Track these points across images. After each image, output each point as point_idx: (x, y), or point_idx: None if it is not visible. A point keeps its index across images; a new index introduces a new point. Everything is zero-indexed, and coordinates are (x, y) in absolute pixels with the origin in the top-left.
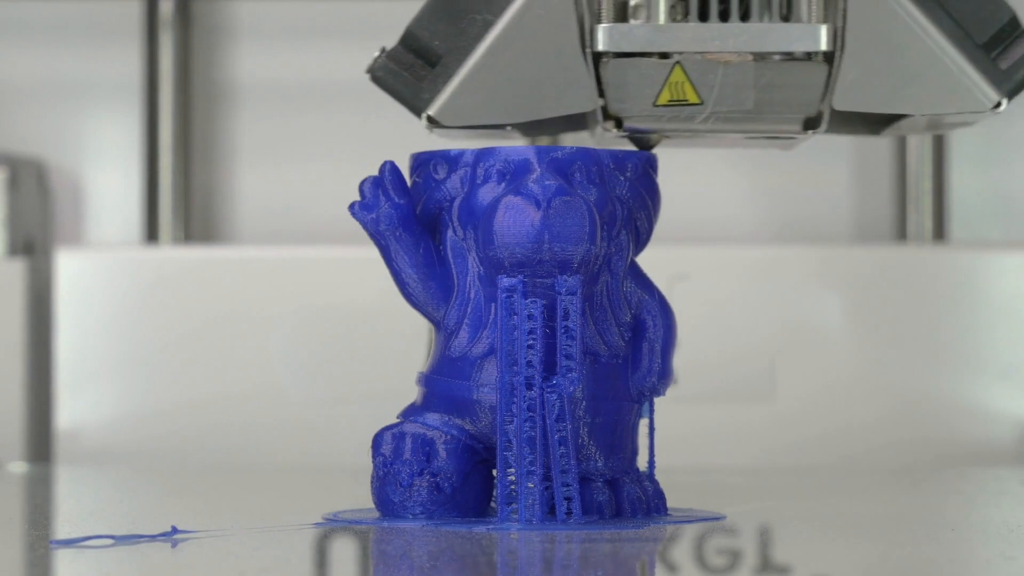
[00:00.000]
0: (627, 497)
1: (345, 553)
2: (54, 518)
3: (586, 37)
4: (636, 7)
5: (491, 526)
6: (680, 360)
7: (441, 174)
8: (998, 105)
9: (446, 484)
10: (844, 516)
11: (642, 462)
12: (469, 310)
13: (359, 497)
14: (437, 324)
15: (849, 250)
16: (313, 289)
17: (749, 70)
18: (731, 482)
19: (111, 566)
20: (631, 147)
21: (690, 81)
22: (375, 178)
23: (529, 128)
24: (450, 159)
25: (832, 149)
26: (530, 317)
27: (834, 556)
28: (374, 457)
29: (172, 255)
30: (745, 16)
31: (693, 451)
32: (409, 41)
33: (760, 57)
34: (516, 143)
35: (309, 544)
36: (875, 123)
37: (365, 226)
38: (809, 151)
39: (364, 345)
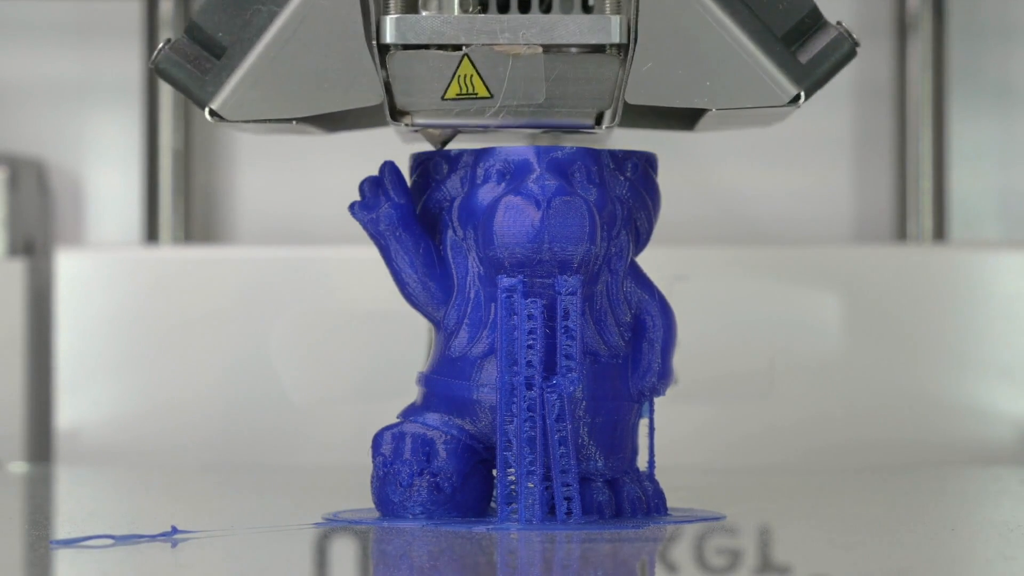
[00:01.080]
0: (627, 497)
1: (345, 553)
2: (54, 518)
3: (371, 29)
4: None
5: (491, 526)
6: (680, 360)
7: (441, 174)
8: (796, 99)
9: (446, 484)
10: (844, 516)
11: (642, 462)
12: (469, 310)
13: (359, 497)
14: (437, 324)
15: (849, 250)
16: (313, 289)
17: (540, 63)
18: (731, 482)
19: (111, 566)
20: (424, 142)
21: (479, 74)
22: (375, 178)
23: (325, 123)
24: (450, 159)
25: (832, 149)
26: (530, 317)
27: (834, 556)
28: (374, 457)
29: (172, 255)
30: (548, 8)
31: (693, 451)
32: (194, 32)
33: (552, 49)
34: (312, 136)
35: (309, 544)
36: (685, 117)
37: (365, 226)
38: (809, 151)
39: (364, 345)
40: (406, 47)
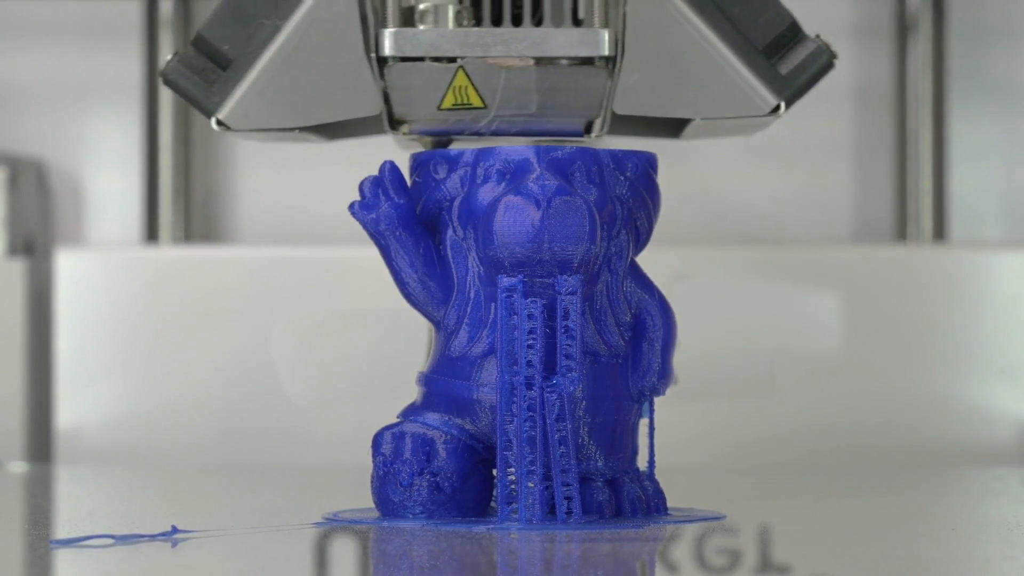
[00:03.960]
0: (627, 497)
1: (345, 553)
2: (54, 518)
3: (370, 42)
4: (424, 12)
5: (491, 526)
6: (680, 360)
7: (441, 174)
8: (776, 109)
9: (446, 484)
10: (844, 516)
11: (642, 462)
12: (469, 310)
13: (359, 497)
14: (437, 324)
15: (849, 250)
16: (313, 289)
17: (531, 74)
18: (731, 482)
19: (111, 566)
20: (419, 147)
21: (473, 85)
22: (375, 178)
23: (326, 132)
24: (450, 159)
25: (832, 149)
26: (530, 317)
27: (834, 556)
28: (374, 457)
29: (172, 255)
30: (540, 22)
31: (693, 451)
32: (200, 45)
33: (543, 62)
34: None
35: (309, 544)
36: (671, 126)
37: (365, 226)
38: (809, 151)
39: (364, 345)
40: (403, 59)
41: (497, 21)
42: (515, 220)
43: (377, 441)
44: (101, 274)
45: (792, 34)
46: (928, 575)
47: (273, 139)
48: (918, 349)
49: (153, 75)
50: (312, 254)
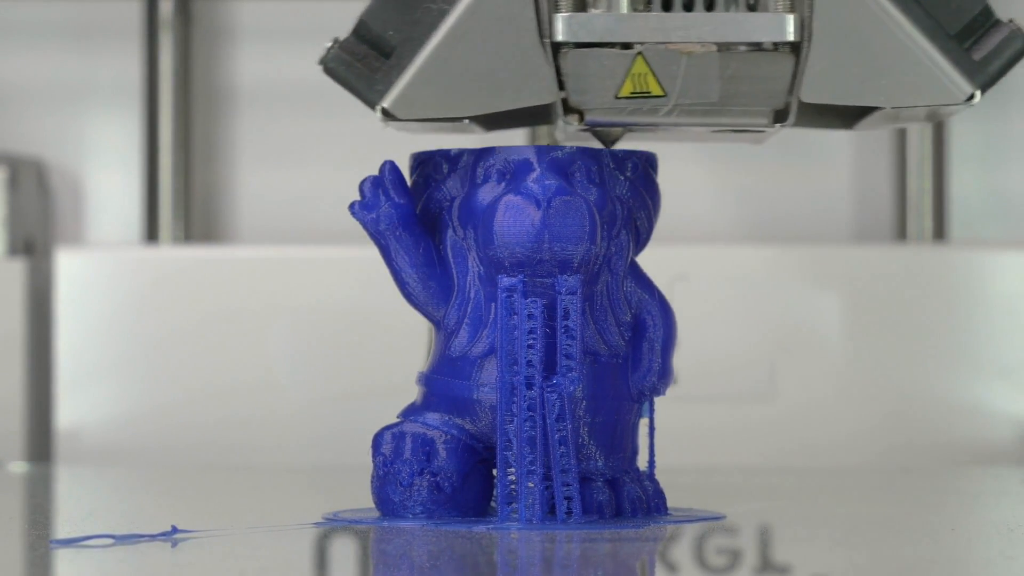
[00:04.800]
0: (627, 497)
1: (345, 553)
2: (54, 518)
3: (544, 27)
4: None
5: (491, 526)
6: (680, 360)
7: (441, 174)
8: (971, 97)
9: (446, 484)
10: (844, 516)
11: (642, 462)
12: (469, 310)
13: (359, 497)
14: (437, 324)
15: (849, 250)
16: (313, 289)
17: (714, 61)
18: (731, 482)
19: (111, 566)
20: (595, 141)
21: (653, 72)
22: (375, 178)
23: (488, 121)
24: (450, 159)
25: (832, 149)
26: (530, 317)
27: (834, 556)
28: (374, 457)
29: (172, 255)
30: (710, 6)
31: (693, 451)
32: (362, 31)
33: (725, 48)
34: (475, 135)
35: (309, 544)
36: (847, 116)
37: (365, 226)
38: (809, 151)
39: (364, 345)
40: (578, 45)
41: (668, 5)
42: (515, 220)
43: (377, 441)
44: (101, 274)
45: (985, 18)
46: (928, 575)
47: (434, 130)
48: (918, 349)
49: (153, 75)
50: (312, 254)
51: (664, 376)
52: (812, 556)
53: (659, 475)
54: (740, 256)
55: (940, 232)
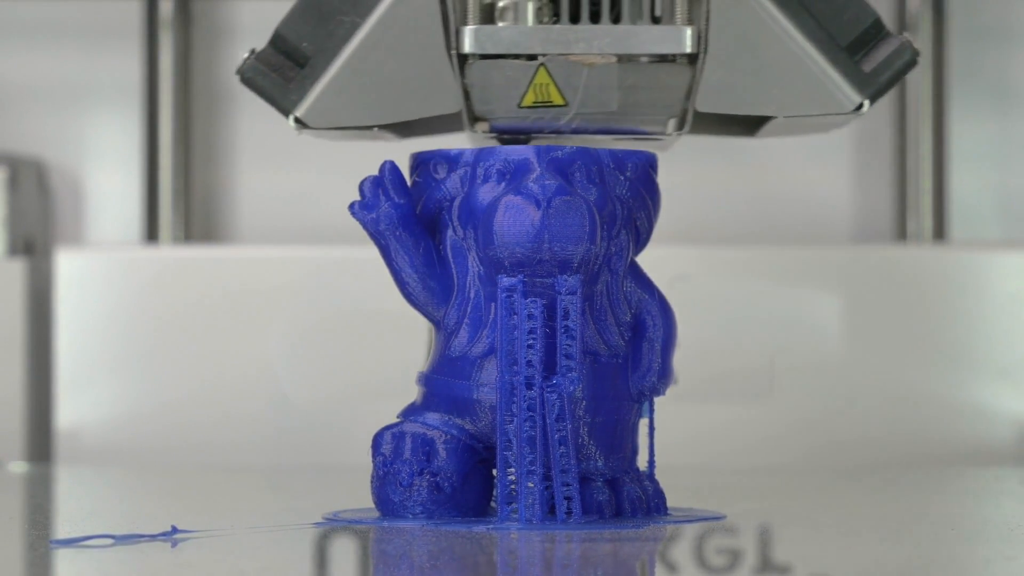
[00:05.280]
0: (627, 497)
1: (345, 553)
2: (54, 518)
3: (451, 39)
4: (504, 9)
5: (491, 526)
6: (680, 360)
7: (441, 174)
8: (860, 107)
9: (446, 484)
10: (844, 516)
11: (642, 462)
12: (469, 310)
13: (359, 497)
14: (437, 324)
15: (849, 250)
16: (313, 289)
17: (613, 72)
18: (731, 482)
19: (111, 566)
20: (492, 144)
21: (555, 83)
22: (375, 178)
23: (401, 130)
24: (450, 159)
25: (832, 149)
26: (530, 317)
27: (834, 556)
28: (374, 457)
29: (172, 255)
30: (617, 18)
31: (693, 451)
32: (278, 42)
33: (625, 59)
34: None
35: (309, 544)
36: (747, 124)
37: (365, 226)
38: (809, 151)
39: (364, 345)
40: (484, 57)
41: (575, 18)
42: (515, 220)
43: (377, 441)
44: (101, 274)
45: (876, 31)
46: (928, 575)
47: (350, 137)
48: (918, 349)
49: (153, 75)
50: (312, 254)
51: (664, 376)
52: (812, 556)
53: (659, 475)
54: (740, 256)
55: (940, 232)
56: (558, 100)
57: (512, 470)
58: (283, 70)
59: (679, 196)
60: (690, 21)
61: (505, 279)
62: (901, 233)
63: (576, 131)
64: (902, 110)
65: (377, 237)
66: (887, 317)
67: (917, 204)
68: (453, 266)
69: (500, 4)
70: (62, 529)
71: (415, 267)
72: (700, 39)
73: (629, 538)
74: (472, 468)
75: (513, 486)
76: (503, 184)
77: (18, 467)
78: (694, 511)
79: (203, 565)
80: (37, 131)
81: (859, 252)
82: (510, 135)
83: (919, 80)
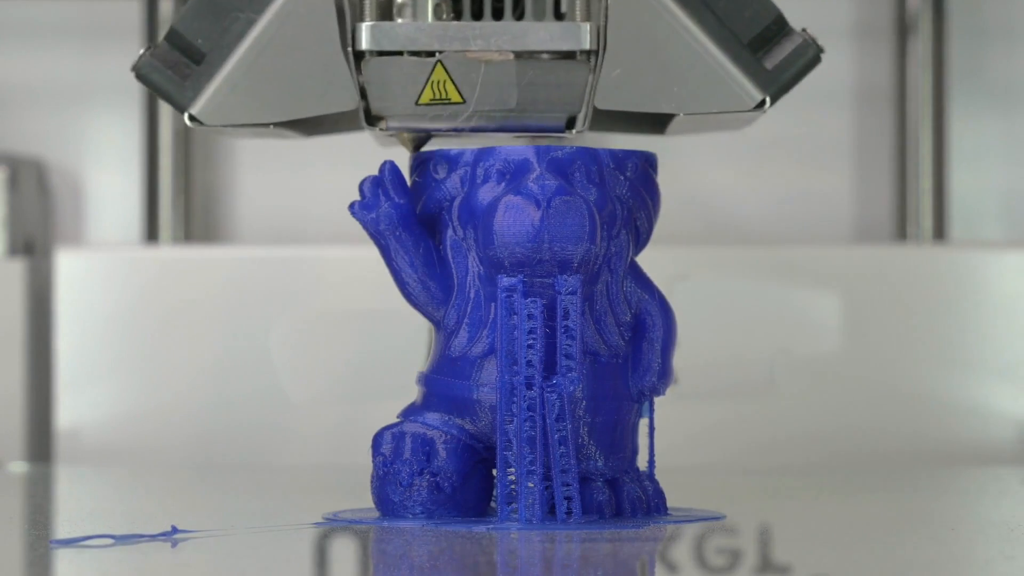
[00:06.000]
0: (627, 497)
1: (345, 553)
2: (54, 518)
3: (347, 36)
4: (402, 6)
5: (491, 526)
6: (680, 360)
7: (441, 174)
8: (762, 104)
9: (446, 484)
10: (844, 516)
11: (642, 462)
12: (469, 310)
13: (359, 497)
14: (437, 324)
15: (849, 250)
16: (313, 289)
17: (511, 69)
18: (731, 482)
19: (111, 566)
20: (396, 143)
21: (452, 80)
22: (375, 178)
23: (302, 127)
24: (450, 159)
25: (832, 149)
26: (530, 317)
27: (834, 556)
28: (374, 457)
29: (172, 255)
30: (520, 15)
31: (693, 451)
32: (174, 39)
33: (523, 56)
34: (292, 139)
35: (309, 544)
36: (655, 122)
37: (365, 226)
38: (809, 151)
39: (364, 345)
40: (381, 53)
41: (477, 15)
42: (515, 220)
43: (377, 441)
44: (101, 274)
45: (778, 28)
46: (928, 575)
47: (248, 135)
48: (918, 349)
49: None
50: (312, 254)
51: (664, 376)
52: (812, 556)
53: (659, 475)
54: (740, 256)
55: (940, 232)
56: (456, 97)
57: (512, 470)
58: (179, 67)
59: (679, 196)
60: (588, 17)
61: (505, 279)
62: (901, 233)
63: (476, 129)
64: (902, 110)
65: (377, 237)
66: (887, 317)
67: (917, 204)
68: (453, 266)
69: (398, 0)
70: (62, 529)
71: (415, 267)
72: (599, 35)
73: (629, 538)
74: (472, 468)
75: (513, 486)
76: (503, 184)
77: (18, 467)
78: (694, 511)
79: (203, 565)
80: (37, 131)
81: (859, 252)
82: (411, 133)
83: (919, 80)
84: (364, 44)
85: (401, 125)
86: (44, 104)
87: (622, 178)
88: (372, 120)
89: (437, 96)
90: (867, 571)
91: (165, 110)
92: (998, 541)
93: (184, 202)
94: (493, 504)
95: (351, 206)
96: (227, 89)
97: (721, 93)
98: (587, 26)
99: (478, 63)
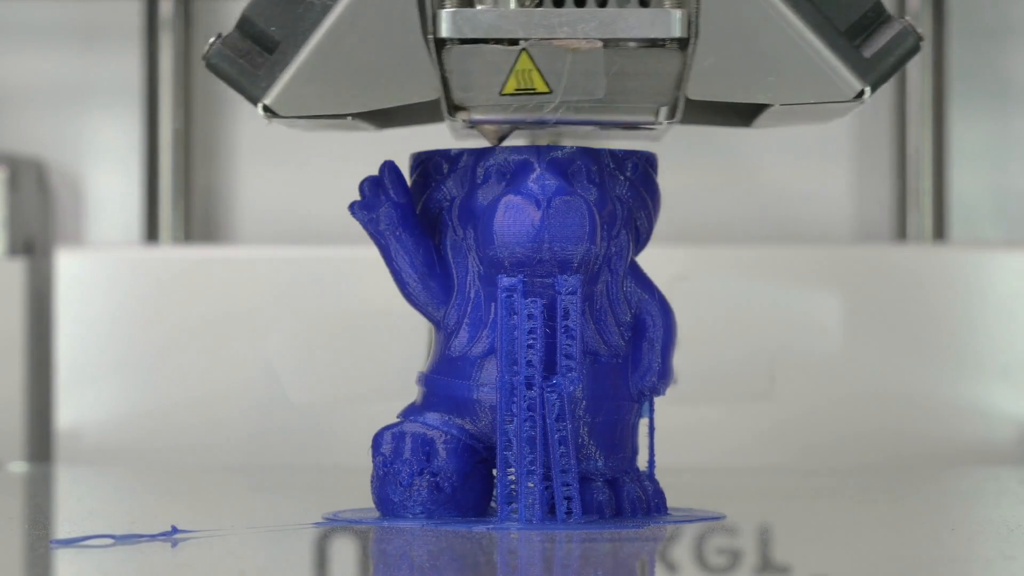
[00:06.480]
0: (627, 497)
1: (345, 553)
2: (54, 518)
3: (428, 23)
4: None
5: (491, 526)
6: (680, 360)
7: (441, 174)
8: (861, 94)
9: (446, 484)
10: (844, 516)
11: (642, 462)
12: (469, 310)
13: (359, 497)
14: (437, 324)
15: (849, 250)
16: (313, 289)
17: (599, 57)
18: (731, 482)
19: (111, 566)
20: (481, 139)
21: (538, 69)
22: (375, 178)
23: (378, 119)
24: (450, 159)
25: (832, 149)
26: (530, 317)
27: (834, 556)
28: (374, 457)
29: (172, 255)
30: (604, 2)
31: (693, 451)
32: (245, 27)
33: (611, 44)
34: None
35: (309, 544)
36: (743, 113)
37: (365, 226)
38: (809, 151)
39: (364, 345)
40: (463, 41)
41: (560, 1)
42: (515, 220)
43: (377, 441)
44: (101, 274)
45: (876, 14)
46: (928, 575)
47: (323, 127)
48: (918, 349)
49: (153, 75)
50: (312, 254)
51: (664, 376)
52: (812, 556)
53: (659, 475)
54: (740, 256)
55: (940, 232)
56: (541, 87)
57: (512, 470)
58: (251, 56)
59: (679, 196)
60: (680, 4)
61: (505, 279)
62: (901, 233)
63: (561, 122)
64: (902, 109)
65: (377, 237)
66: (887, 317)
67: (917, 204)
68: (453, 266)
69: None
70: (62, 529)
71: (415, 267)
72: (691, 23)
73: (629, 538)
74: (472, 468)
75: (513, 486)
76: (503, 184)
77: (18, 467)
78: (694, 511)
79: (203, 565)
80: (37, 131)
81: (859, 252)
82: (494, 126)
83: (919, 79)
84: (445, 31)
85: (485, 117)
86: (44, 104)
87: (622, 178)
88: (453, 111)
89: (522, 86)
90: (867, 571)
91: (165, 110)
92: (998, 541)
93: (184, 202)
94: (493, 504)
95: (351, 206)
96: (302, 79)
97: (818, 83)
98: (679, 13)
99: (565, 51)
